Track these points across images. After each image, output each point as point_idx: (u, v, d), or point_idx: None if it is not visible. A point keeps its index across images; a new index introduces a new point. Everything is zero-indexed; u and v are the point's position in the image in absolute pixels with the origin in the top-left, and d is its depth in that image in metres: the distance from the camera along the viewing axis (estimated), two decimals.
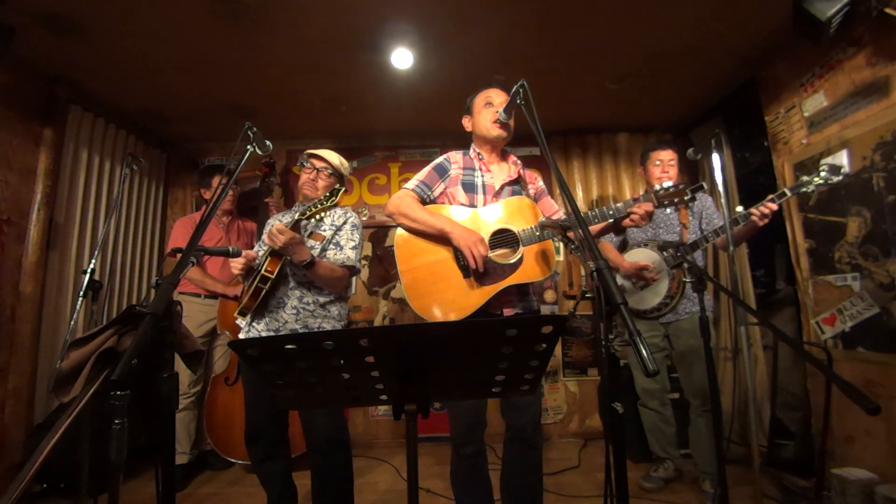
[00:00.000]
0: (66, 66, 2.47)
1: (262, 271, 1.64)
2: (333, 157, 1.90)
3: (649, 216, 1.49)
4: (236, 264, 1.66)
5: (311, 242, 1.81)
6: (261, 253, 1.85)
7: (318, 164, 1.88)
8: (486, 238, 1.55)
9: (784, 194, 1.90)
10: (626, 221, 1.52)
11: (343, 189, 1.65)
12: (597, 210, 1.52)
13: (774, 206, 1.91)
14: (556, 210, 1.79)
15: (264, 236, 1.95)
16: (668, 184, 1.48)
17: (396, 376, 0.87)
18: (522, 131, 1.72)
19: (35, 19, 2.07)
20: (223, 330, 2.69)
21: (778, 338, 2.29)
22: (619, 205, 1.52)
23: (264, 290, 1.68)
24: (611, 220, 1.54)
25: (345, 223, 1.87)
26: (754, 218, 1.94)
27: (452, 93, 2.84)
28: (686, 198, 1.46)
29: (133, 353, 0.84)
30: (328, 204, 1.59)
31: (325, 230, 1.84)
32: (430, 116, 3.26)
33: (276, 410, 1.77)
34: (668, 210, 2.40)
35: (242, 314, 1.74)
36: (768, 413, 2.59)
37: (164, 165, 3.54)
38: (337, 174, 1.92)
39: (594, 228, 1.63)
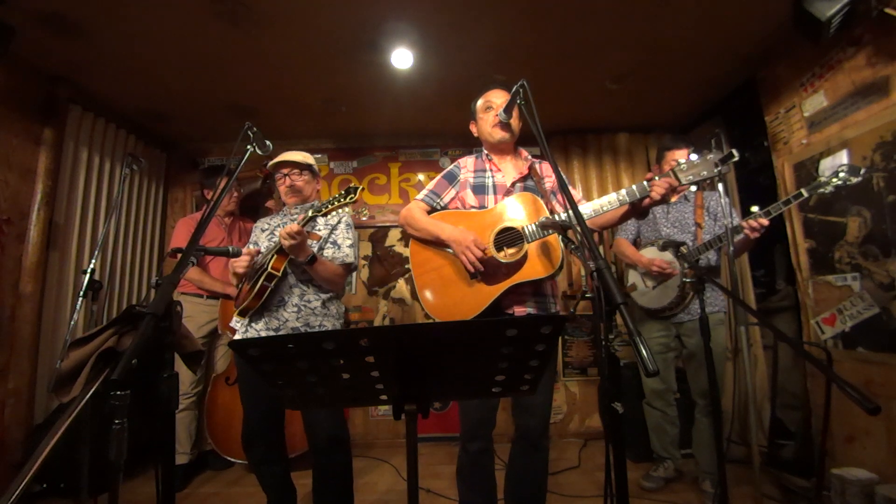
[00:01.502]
0: (66, 66, 2.47)
1: (269, 269, 1.64)
2: (294, 156, 1.88)
3: (671, 191, 1.39)
4: (241, 263, 1.66)
5: (308, 241, 1.81)
6: (253, 251, 1.86)
7: (284, 169, 1.88)
8: (492, 237, 1.55)
9: (800, 195, 1.88)
10: (647, 201, 1.42)
11: (361, 187, 1.62)
12: (605, 198, 1.46)
13: (765, 221, 1.92)
14: (578, 199, 1.70)
15: (255, 239, 1.95)
16: (694, 156, 1.36)
17: (396, 376, 0.87)
18: (523, 131, 1.72)
19: (35, 19, 2.07)
20: (224, 330, 2.69)
21: (778, 338, 2.29)
22: (632, 187, 1.43)
23: (269, 288, 1.68)
24: (627, 204, 1.45)
25: (339, 222, 1.89)
26: (746, 231, 1.95)
27: (452, 93, 2.84)
28: (717, 169, 1.33)
29: (133, 353, 0.84)
30: (347, 200, 1.58)
31: (319, 230, 1.85)
32: (430, 116, 3.26)
33: (272, 413, 1.78)
34: (692, 189, 2.29)
35: (243, 314, 1.74)
36: (768, 413, 2.59)
37: (164, 165, 3.54)
38: (307, 169, 1.91)
39: (615, 214, 1.54)
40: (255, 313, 1.75)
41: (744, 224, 1.96)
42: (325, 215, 1.61)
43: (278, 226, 1.92)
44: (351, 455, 1.83)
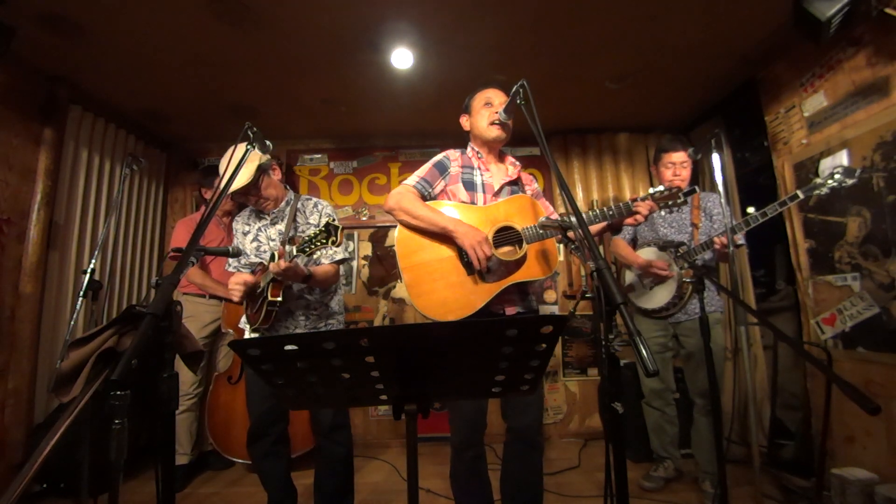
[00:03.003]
0: (66, 66, 2.47)
1: (269, 298, 1.65)
2: (239, 182, 1.67)
3: (651, 213, 1.57)
4: (236, 295, 1.65)
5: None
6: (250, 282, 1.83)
7: (241, 191, 1.75)
8: (490, 235, 1.55)
9: (796, 196, 1.90)
10: (629, 220, 1.56)
11: (341, 228, 1.51)
12: (597, 210, 1.54)
13: (725, 241, 1.99)
14: (551, 212, 1.79)
15: (238, 243, 1.89)
16: (661, 188, 1.56)
17: (396, 376, 0.87)
18: (523, 131, 1.72)
19: (35, 19, 2.07)
20: (227, 328, 2.69)
21: (778, 338, 2.29)
22: (618, 205, 1.55)
23: (275, 312, 1.71)
24: (609, 220, 1.58)
25: (321, 217, 1.89)
26: (717, 247, 2.07)
27: (452, 93, 2.83)
28: (679, 201, 1.55)
29: (133, 353, 0.84)
30: (329, 244, 1.50)
31: (303, 232, 1.86)
32: (430, 116, 3.26)
33: (280, 408, 1.81)
34: (682, 206, 2.42)
35: (257, 332, 1.77)
36: (768, 413, 2.59)
37: (164, 165, 3.54)
38: (262, 174, 1.76)
39: (593, 228, 1.64)
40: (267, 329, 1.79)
41: (716, 239, 2.07)
42: (309, 255, 1.56)
43: (259, 229, 1.88)
44: (352, 440, 1.91)
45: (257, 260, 1.85)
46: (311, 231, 1.53)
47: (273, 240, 1.85)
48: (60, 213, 2.53)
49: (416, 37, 2.32)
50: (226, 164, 1.68)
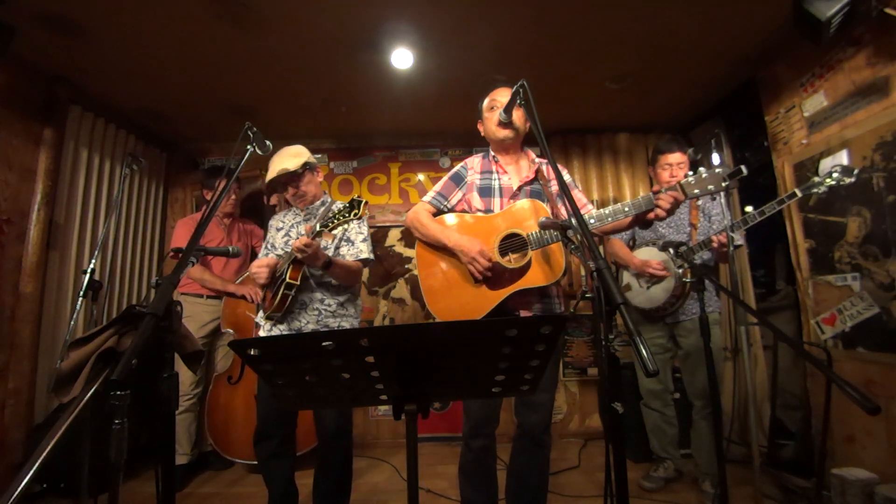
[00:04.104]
0: (66, 66, 2.47)
1: (287, 279, 1.68)
2: (287, 163, 1.81)
3: (677, 205, 1.38)
4: (261, 277, 1.73)
5: (323, 242, 1.84)
6: (266, 255, 1.91)
7: (283, 180, 1.85)
8: (497, 242, 1.56)
9: (794, 195, 1.91)
10: (652, 214, 1.42)
11: (365, 202, 1.61)
12: (610, 209, 1.45)
13: (724, 239, 1.97)
14: (584, 203, 1.73)
15: (271, 238, 1.98)
16: (701, 169, 1.35)
17: (396, 376, 0.87)
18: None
19: (35, 19, 2.07)
20: (227, 328, 2.69)
21: (778, 338, 2.29)
22: (637, 199, 1.43)
23: (291, 296, 1.73)
24: (631, 216, 1.46)
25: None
26: (714, 245, 2.05)
27: (452, 93, 2.84)
28: (725, 184, 1.31)
29: (133, 353, 0.84)
30: (352, 217, 1.58)
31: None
32: (430, 116, 3.26)
33: (286, 410, 1.81)
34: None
35: (270, 319, 1.80)
36: (768, 413, 2.59)
37: (164, 165, 3.54)
38: (306, 169, 1.87)
39: (620, 223, 1.54)
40: (280, 317, 1.81)
41: (713, 238, 2.05)
42: (331, 230, 1.62)
43: (292, 225, 1.96)
44: (352, 442, 1.93)
45: (282, 252, 1.89)
46: (337, 207, 1.60)
47: (302, 234, 1.88)
48: (60, 213, 2.53)
49: (416, 37, 2.32)
50: (277, 159, 1.84)
